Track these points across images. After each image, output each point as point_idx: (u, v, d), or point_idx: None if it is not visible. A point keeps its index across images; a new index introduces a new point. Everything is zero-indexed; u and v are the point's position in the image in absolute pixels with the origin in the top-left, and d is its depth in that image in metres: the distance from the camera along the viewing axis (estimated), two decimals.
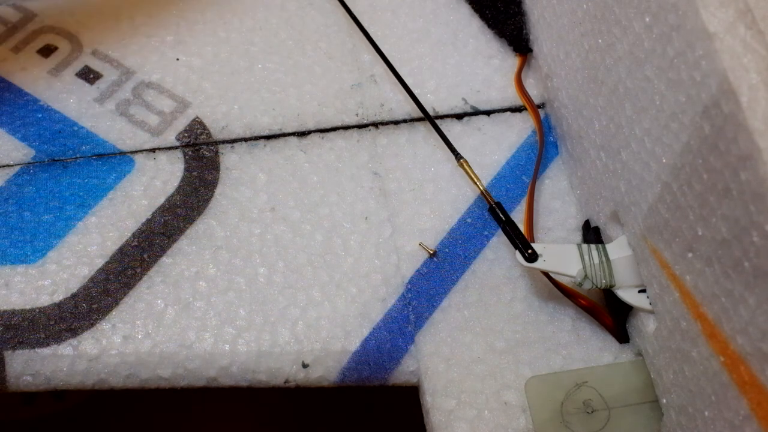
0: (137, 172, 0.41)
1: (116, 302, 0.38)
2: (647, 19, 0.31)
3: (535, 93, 0.46)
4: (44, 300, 0.37)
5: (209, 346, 0.37)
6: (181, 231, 0.40)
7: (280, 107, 0.45)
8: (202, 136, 0.43)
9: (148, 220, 0.40)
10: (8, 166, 0.40)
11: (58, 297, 0.37)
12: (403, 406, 0.37)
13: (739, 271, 0.27)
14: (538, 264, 0.36)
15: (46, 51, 0.45)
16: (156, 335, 0.37)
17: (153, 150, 0.42)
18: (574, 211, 0.42)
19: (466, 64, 0.47)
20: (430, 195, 0.42)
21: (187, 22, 0.47)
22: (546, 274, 0.37)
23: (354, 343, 0.38)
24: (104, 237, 0.39)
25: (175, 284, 0.38)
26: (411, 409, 0.38)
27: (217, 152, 0.43)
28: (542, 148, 0.44)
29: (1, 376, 0.35)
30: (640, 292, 0.36)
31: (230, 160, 0.43)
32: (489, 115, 0.45)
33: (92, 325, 0.37)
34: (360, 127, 0.45)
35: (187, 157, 0.42)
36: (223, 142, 0.43)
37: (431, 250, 0.40)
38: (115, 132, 0.43)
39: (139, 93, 0.44)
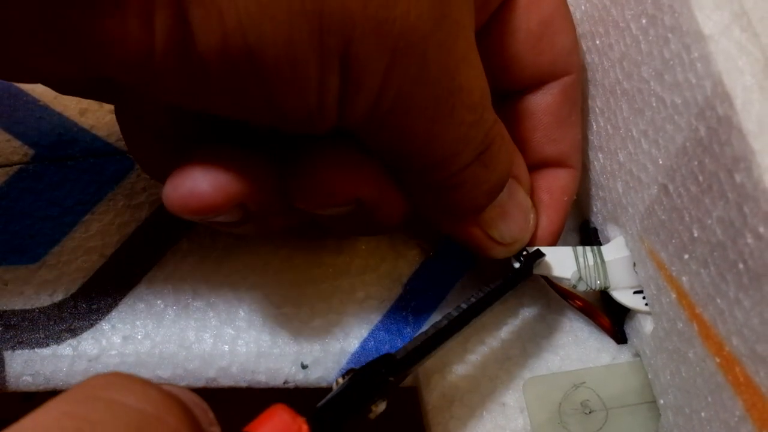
0: (138, 171, 0.41)
1: (116, 302, 0.38)
2: (644, 21, 0.31)
3: None
4: (44, 300, 0.37)
5: (209, 346, 0.37)
6: (182, 231, 0.40)
7: None
8: None
9: (149, 220, 0.40)
10: (8, 165, 0.41)
11: (58, 297, 0.38)
12: (401, 407, 0.37)
13: (734, 273, 0.27)
14: (533, 268, 0.36)
15: None
16: (155, 336, 0.37)
17: None
18: (571, 212, 0.42)
19: None
20: None
21: None
22: (542, 276, 0.38)
23: (353, 344, 0.38)
24: (104, 237, 0.39)
25: (175, 284, 0.39)
26: (410, 410, 0.38)
27: None
28: None
29: (0, 376, 0.35)
30: (635, 293, 0.36)
31: None
32: None
33: (92, 325, 0.37)
34: None
35: None
36: None
37: (430, 250, 0.40)
38: (116, 132, 0.43)
39: None
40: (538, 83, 0.36)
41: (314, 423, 0.26)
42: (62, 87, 0.30)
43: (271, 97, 0.25)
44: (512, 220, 0.35)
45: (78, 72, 0.27)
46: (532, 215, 0.36)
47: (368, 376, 0.29)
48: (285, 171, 0.30)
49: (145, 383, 0.23)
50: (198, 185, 0.28)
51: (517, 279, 0.35)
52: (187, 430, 0.22)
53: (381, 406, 0.29)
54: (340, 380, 0.30)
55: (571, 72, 0.36)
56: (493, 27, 0.35)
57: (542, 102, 0.36)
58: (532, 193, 0.37)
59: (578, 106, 0.37)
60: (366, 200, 0.31)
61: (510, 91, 0.37)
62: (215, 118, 0.30)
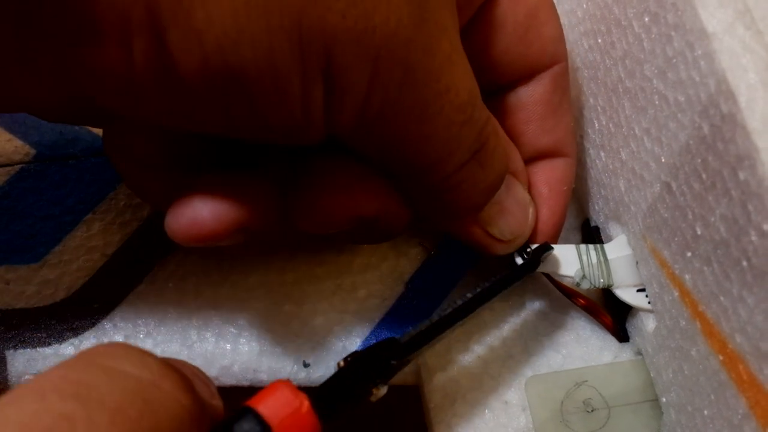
0: None
1: (118, 301, 0.38)
2: (646, 19, 0.31)
3: None
4: (46, 299, 0.37)
5: (211, 345, 0.37)
6: None
7: None
8: None
9: (151, 220, 0.40)
10: (9, 165, 0.41)
11: (60, 296, 0.37)
12: (403, 406, 0.37)
13: (737, 270, 0.27)
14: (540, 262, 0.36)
15: None
16: (157, 334, 0.37)
17: None
18: (573, 210, 0.42)
19: None
20: None
21: None
22: (545, 273, 0.38)
23: (355, 342, 0.38)
24: (106, 236, 0.39)
25: (176, 283, 0.39)
26: (411, 409, 0.38)
27: None
28: None
29: (2, 375, 0.35)
30: (638, 291, 0.36)
31: None
32: None
33: (94, 324, 0.37)
34: None
35: None
36: None
37: (432, 249, 0.40)
38: None
39: None
40: (528, 74, 0.36)
41: (315, 401, 0.26)
42: (48, 115, 0.30)
43: (256, 113, 0.25)
44: (511, 216, 0.35)
45: (61, 100, 0.27)
46: (531, 210, 0.36)
47: (370, 359, 0.30)
48: (286, 193, 0.30)
49: (144, 352, 0.23)
50: (199, 214, 0.28)
51: (524, 271, 0.35)
52: (183, 396, 0.23)
53: (382, 390, 0.29)
54: (341, 363, 0.30)
55: (560, 60, 0.36)
56: (479, 22, 0.35)
57: (534, 92, 0.36)
58: (531, 187, 0.37)
59: (568, 93, 0.37)
60: (369, 217, 0.31)
61: (501, 84, 0.37)
62: (208, 145, 0.30)
